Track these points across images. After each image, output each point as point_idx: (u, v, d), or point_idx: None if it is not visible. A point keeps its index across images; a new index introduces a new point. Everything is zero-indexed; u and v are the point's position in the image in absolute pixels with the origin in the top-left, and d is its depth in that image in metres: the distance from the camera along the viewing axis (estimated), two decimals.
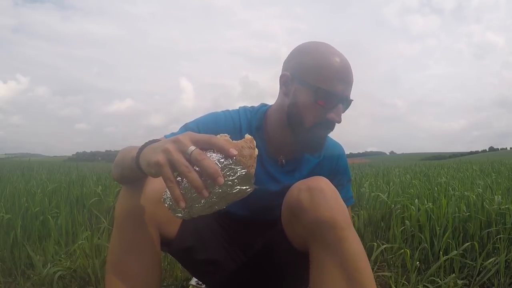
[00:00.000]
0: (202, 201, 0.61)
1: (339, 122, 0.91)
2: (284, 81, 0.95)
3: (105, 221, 1.98)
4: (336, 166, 1.08)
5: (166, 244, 0.89)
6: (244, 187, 0.62)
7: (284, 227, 0.87)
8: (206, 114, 1.03)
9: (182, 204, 0.59)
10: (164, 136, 0.97)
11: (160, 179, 0.70)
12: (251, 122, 1.01)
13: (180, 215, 0.64)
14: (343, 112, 0.92)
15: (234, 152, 0.59)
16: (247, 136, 0.64)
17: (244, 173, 0.61)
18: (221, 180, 0.57)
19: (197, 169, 0.58)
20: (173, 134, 0.97)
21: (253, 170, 0.62)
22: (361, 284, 0.71)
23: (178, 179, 0.61)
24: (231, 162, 0.60)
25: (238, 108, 1.06)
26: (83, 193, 2.75)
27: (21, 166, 8.08)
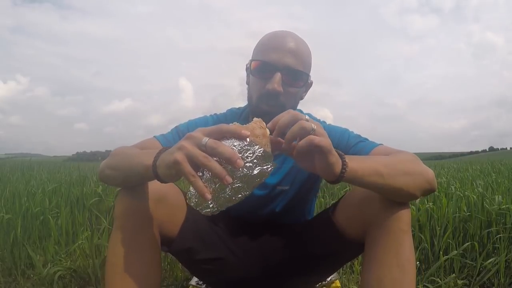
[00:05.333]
0: (227, 189, 0.62)
1: (274, 90, 0.88)
2: (246, 70, 1.00)
3: (105, 221, 1.98)
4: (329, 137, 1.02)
5: (167, 244, 0.89)
6: (265, 167, 0.62)
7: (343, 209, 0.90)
8: (197, 117, 1.06)
9: (208, 196, 0.59)
10: (154, 136, 0.98)
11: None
12: (237, 122, 1.02)
13: (208, 210, 0.63)
14: (293, 82, 0.91)
15: (247, 132, 0.60)
16: (255, 118, 0.65)
17: (261, 152, 0.61)
18: (240, 162, 0.58)
19: (216, 159, 0.59)
20: (163, 135, 0.99)
21: (269, 149, 0.63)
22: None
23: (199, 174, 0.61)
24: (246, 143, 0.61)
25: (225, 111, 1.10)
26: (84, 193, 2.75)
27: (21, 166, 8.08)
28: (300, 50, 0.92)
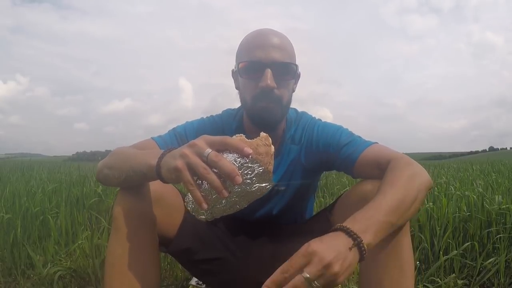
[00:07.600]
0: (223, 202, 0.63)
1: (268, 86, 0.88)
2: (233, 76, 1.00)
3: (105, 221, 1.98)
4: (321, 136, 0.99)
5: (165, 244, 0.89)
6: (263, 184, 0.63)
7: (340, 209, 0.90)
8: (194, 120, 1.07)
9: (204, 206, 0.60)
10: (151, 138, 0.98)
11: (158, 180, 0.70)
12: (232, 123, 1.04)
13: (203, 217, 0.65)
14: (284, 75, 0.91)
15: (249, 150, 0.60)
16: (262, 133, 0.65)
17: (261, 170, 0.62)
18: (239, 179, 0.58)
19: (215, 171, 0.59)
20: (160, 137, 1.00)
21: (271, 167, 0.63)
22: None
23: (198, 182, 0.62)
24: (247, 160, 0.61)
25: (221, 112, 1.10)
26: (83, 193, 2.75)
27: (21, 166, 8.08)
28: (284, 43, 0.93)
